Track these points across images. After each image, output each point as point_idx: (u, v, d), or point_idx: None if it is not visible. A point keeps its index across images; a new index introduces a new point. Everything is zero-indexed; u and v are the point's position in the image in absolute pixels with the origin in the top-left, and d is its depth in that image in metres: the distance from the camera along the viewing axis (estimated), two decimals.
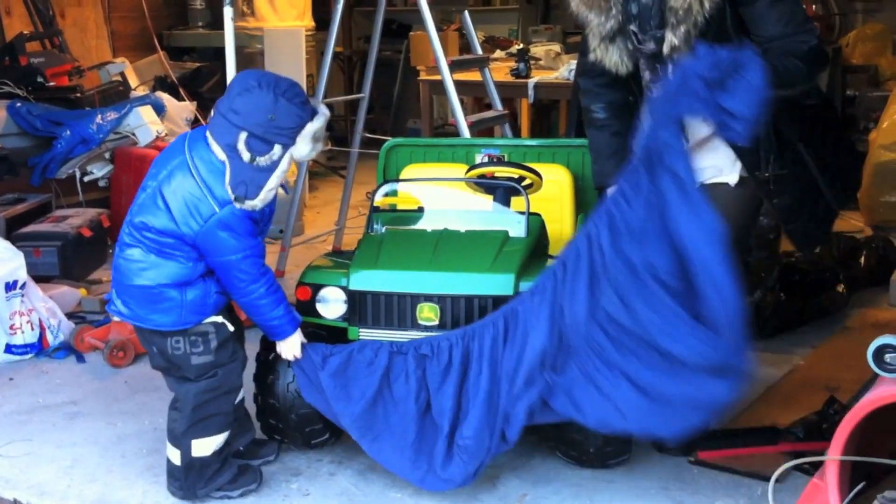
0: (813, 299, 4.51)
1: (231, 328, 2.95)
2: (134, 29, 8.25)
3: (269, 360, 3.14)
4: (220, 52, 5.35)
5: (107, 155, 5.93)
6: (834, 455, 2.26)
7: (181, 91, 7.32)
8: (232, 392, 2.99)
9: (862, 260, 4.96)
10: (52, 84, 6.56)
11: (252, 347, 3.23)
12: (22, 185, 5.70)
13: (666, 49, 2.94)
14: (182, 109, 6.78)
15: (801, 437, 3.21)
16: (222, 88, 4.57)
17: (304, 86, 7.18)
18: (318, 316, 3.12)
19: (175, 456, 2.97)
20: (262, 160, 2.75)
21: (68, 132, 5.84)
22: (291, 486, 3.10)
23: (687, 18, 2.87)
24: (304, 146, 2.80)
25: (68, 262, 5.01)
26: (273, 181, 2.77)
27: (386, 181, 3.74)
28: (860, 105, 8.23)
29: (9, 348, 4.19)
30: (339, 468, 3.19)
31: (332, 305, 3.10)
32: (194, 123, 6.84)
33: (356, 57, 9.51)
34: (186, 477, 2.96)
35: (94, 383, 3.95)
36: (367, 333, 3.05)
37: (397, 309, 3.01)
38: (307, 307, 3.12)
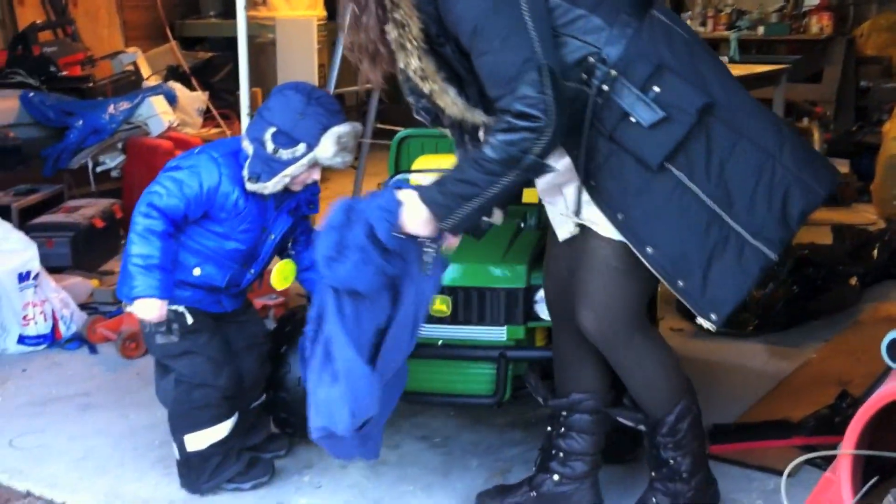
0: (825, 293, 4.49)
1: (190, 319, 2.89)
2: (146, 18, 8.27)
3: (278, 355, 3.15)
4: (231, 42, 5.35)
5: (119, 145, 5.94)
6: (847, 449, 2.25)
7: (193, 81, 7.33)
8: (210, 387, 2.92)
9: (874, 253, 4.94)
10: (64, 74, 6.57)
11: None
12: (34, 176, 5.72)
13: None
14: (194, 99, 6.79)
15: (814, 431, 3.21)
16: (234, 78, 4.57)
17: (315, 75, 7.22)
18: None
19: (175, 451, 3.00)
20: (285, 153, 2.81)
21: (81, 122, 5.85)
22: (303, 479, 3.10)
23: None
24: (329, 147, 2.81)
25: (81, 252, 5.03)
26: (288, 170, 2.82)
27: (398, 172, 3.73)
28: (873, 97, 8.20)
29: (22, 339, 4.21)
30: (350, 461, 3.19)
31: None
32: (206, 113, 6.85)
33: None
34: (188, 472, 2.98)
35: (106, 375, 3.96)
36: None
37: None
38: None
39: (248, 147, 2.86)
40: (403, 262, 2.48)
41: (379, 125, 5.79)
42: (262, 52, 7.40)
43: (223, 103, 7.14)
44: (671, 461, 2.69)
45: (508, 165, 2.24)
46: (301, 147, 2.80)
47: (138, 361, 4.05)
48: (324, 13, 7.75)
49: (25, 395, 3.77)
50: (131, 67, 7.02)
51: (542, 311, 2.95)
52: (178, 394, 2.94)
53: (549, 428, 2.82)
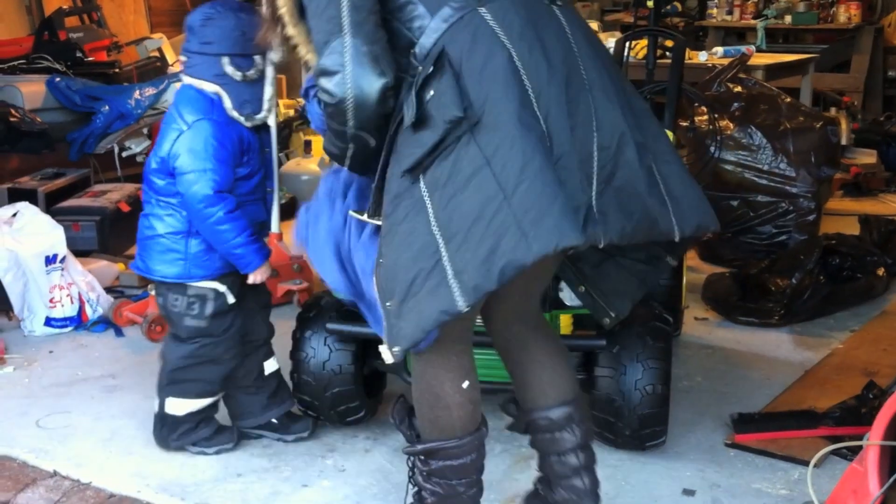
0: (852, 283, 4.47)
1: (231, 300, 3.03)
2: (171, 4, 8.30)
3: (304, 338, 3.16)
4: None
5: (144, 130, 5.97)
6: (875, 440, 2.24)
7: None
8: (217, 363, 3.06)
9: None
10: (90, 59, 6.60)
11: (289, 324, 3.25)
12: (61, 160, 5.75)
13: None
14: None
15: (840, 421, 3.19)
16: None
17: None
18: None
19: (155, 405, 3.14)
20: (251, 74, 2.91)
21: (107, 107, 5.88)
22: (327, 462, 3.11)
23: None
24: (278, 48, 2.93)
25: (107, 236, 5.05)
26: (269, 90, 2.96)
27: None
28: None
29: (48, 321, 4.24)
30: (374, 445, 3.21)
31: None
32: None
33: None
34: (161, 427, 3.14)
35: (132, 357, 3.99)
36: None
37: None
38: None
39: (212, 87, 2.91)
40: None
41: None
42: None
43: None
44: (415, 491, 2.56)
45: (340, 138, 2.25)
46: (258, 60, 2.92)
47: None
48: None
49: (52, 377, 3.80)
50: (157, 53, 7.04)
51: (567, 298, 2.94)
52: (183, 364, 3.05)
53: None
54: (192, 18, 2.93)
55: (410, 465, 2.59)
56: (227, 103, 2.91)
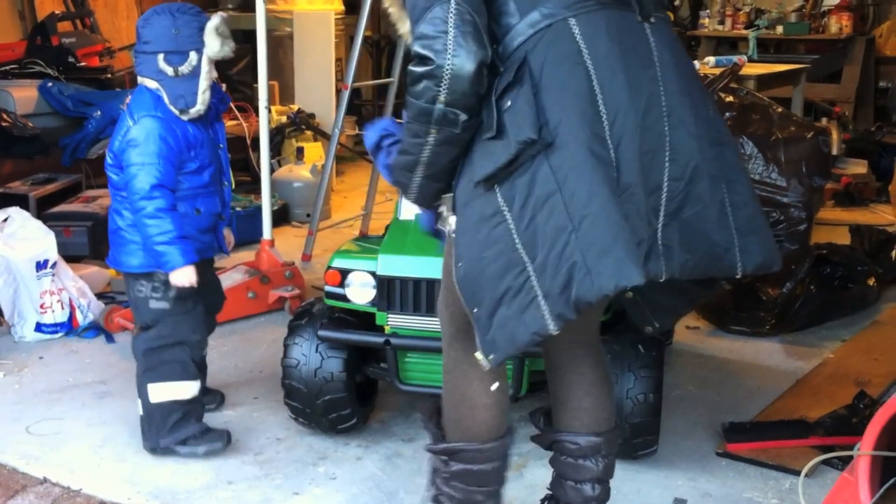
0: (843, 292, 4.48)
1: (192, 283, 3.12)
2: None
3: (296, 345, 3.15)
4: (249, 35, 5.35)
5: None
6: (866, 449, 2.24)
7: None
8: (185, 344, 3.15)
9: (893, 254, 4.92)
10: (83, 64, 6.59)
11: (280, 331, 3.25)
12: (53, 165, 5.74)
13: None
14: None
15: (831, 430, 3.20)
16: (252, 71, 4.59)
17: (332, 69, 7.23)
18: (348, 301, 3.12)
19: (139, 406, 3.16)
20: (184, 69, 3.05)
21: (99, 113, 5.87)
22: (318, 470, 3.11)
23: None
24: (214, 43, 3.09)
25: (98, 242, 5.03)
26: (203, 84, 3.08)
27: None
28: (893, 97, 8.18)
29: (39, 327, 4.23)
30: (365, 452, 3.20)
31: (360, 290, 3.11)
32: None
33: (384, 41, 9.49)
34: (149, 427, 3.15)
35: (123, 363, 3.97)
36: (395, 319, 3.05)
37: (426, 295, 3.01)
38: (336, 292, 3.13)
39: (153, 83, 3.07)
40: None
41: (396, 119, 5.78)
42: (280, 45, 7.41)
43: (240, 96, 7.15)
44: (433, 494, 2.53)
45: (423, 122, 2.06)
46: (192, 56, 3.06)
47: None
48: (341, 7, 7.75)
49: (43, 383, 3.79)
50: None
51: None
52: (151, 346, 3.12)
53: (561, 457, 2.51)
54: (138, 22, 3.12)
55: (433, 466, 2.55)
56: (166, 98, 3.05)
